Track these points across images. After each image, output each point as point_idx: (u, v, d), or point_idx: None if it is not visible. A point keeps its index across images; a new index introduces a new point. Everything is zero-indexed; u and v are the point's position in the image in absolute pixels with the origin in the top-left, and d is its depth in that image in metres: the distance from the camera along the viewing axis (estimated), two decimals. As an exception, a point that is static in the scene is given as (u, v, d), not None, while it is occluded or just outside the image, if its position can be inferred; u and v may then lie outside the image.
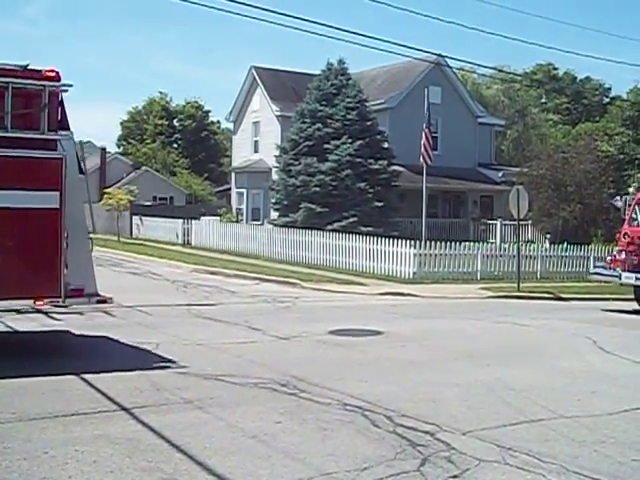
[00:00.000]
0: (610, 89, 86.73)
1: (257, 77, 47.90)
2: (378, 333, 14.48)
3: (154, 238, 44.39)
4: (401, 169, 38.54)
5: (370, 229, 32.30)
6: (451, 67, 44.31)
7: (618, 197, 23.66)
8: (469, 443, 7.42)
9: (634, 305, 20.50)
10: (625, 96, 58.28)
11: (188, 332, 13.84)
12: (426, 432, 7.73)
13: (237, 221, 45.80)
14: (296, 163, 37.43)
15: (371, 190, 35.93)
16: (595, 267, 23.70)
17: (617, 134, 50.13)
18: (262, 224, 42.50)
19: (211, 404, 8.63)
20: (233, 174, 52.10)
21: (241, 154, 50.51)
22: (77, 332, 13.50)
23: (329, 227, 33.26)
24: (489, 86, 70.87)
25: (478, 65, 61.86)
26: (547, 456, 7.07)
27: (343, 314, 17.44)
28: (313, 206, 35.79)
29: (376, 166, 36.64)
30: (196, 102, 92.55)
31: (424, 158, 30.38)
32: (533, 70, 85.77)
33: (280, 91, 46.27)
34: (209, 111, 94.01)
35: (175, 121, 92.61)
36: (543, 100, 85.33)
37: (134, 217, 49.23)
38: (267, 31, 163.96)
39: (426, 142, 30.46)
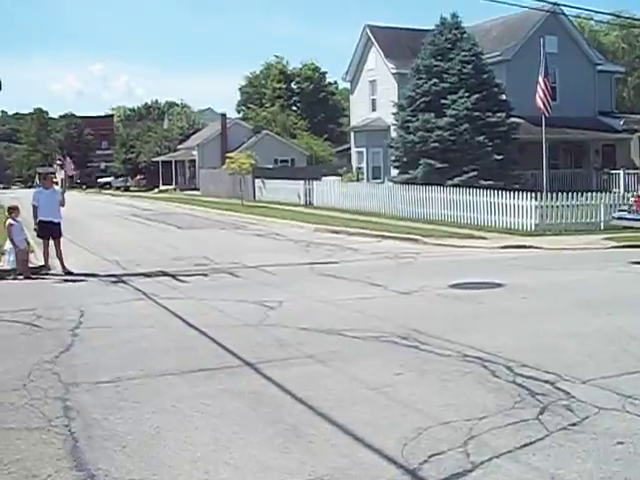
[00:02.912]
0: None
1: (371, 36, 47.67)
2: (499, 285, 14.43)
3: (276, 200, 44.93)
4: (520, 121, 37.87)
5: (490, 183, 31.91)
6: (567, 15, 43.12)
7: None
8: (588, 391, 7.40)
9: None
10: None
11: (310, 289, 14.09)
12: (545, 381, 7.74)
13: (358, 180, 45.90)
14: (414, 120, 37.20)
15: (490, 143, 35.46)
16: (619, 211, 21.54)
17: None
18: (382, 182, 42.50)
19: (332, 358, 8.82)
20: (352, 133, 52.12)
21: (359, 113, 50.44)
22: (203, 293, 13.85)
23: (449, 182, 33.05)
24: (607, 33, 68.77)
25: (595, 12, 60.34)
26: (668, 404, 7.01)
27: (464, 268, 17.42)
28: (432, 162, 35.56)
29: (494, 119, 36.10)
30: (312, 64, 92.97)
31: (544, 108, 29.76)
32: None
33: (394, 49, 45.94)
34: (326, 72, 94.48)
35: (293, 84, 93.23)
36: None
37: (256, 180, 49.88)
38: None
39: (545, 92, 29.80)
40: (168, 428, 6.52)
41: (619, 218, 20.59)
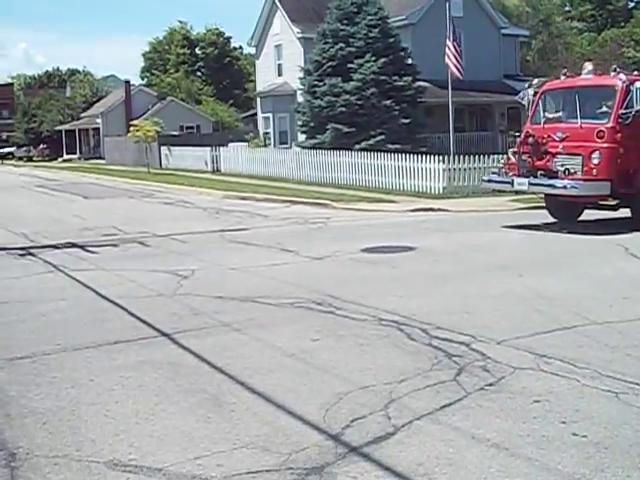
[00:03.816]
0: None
1: (276, 0, 47.38)
2: (410, 249, 14.56)
3: (183, 167, 44.55)
4: (426, 85, 38.21)
5: (398, 146, 32.14)
6: (472, -22, 43.60)
7: (522, 92, 20.33)
8: (504, 352, 7.54)
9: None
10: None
11: (223, 257, 14.01)
12: (461, 343, 7.85)
13: (265, 146, 45.79)
14: (320, 84, 37.17)
15: (397, 107, 35.68)
16: (491, 173, 20.35)
17: (643, 39, 49.16)
18: (290, 147, 42.46)
19: (249, 326, 8.80)
20: (258, 99, 51.92)
21: (265, 78, 50.22)
22: (114, 264, 13.66)
23: (357, 147, 33.19)
24: (512, -4, 69.59)
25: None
26: (581, 361, 7.16)
27: (375, 232, 17.53)
28: (340, 126, 35.62)
29: (401, 83, 36.32)
30: (217, 29, 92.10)
31: (456, 71, 29.85)
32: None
33: (300, 13, 45.80)
34: (230, 37, 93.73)
35: (197, 49, 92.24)
36: (567, 8, 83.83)
37: (162, 148, 49.32)
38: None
39: (455, 55, 29.89)
40: (88, 402, 6.42)
41: (488, 181, 19.78)
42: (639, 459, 5.13)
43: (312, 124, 37.87)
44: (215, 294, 10.61)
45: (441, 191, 25.94)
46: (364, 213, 22.10)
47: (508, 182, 18.23)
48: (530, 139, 17.76)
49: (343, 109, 35.78)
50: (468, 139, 41.71)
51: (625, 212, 17.60)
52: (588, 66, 18.73)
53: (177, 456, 5.29)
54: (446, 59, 29.29)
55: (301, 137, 40.59)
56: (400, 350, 7.70)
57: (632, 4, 79.94)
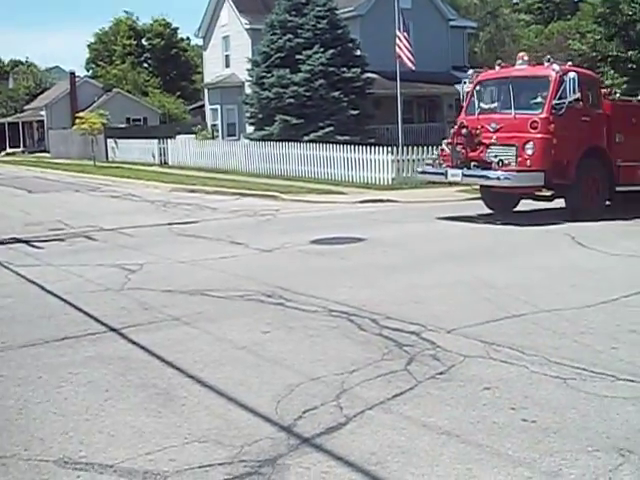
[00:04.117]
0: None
1: (224, -10, 47.16)
2: (359, 240, 14.60)
3: (130, 160, 44.20)
4: (375, 76, 38.23)
5: (347, 138, 32.19)
6: (421, -30, 43.73)
7: (459, 83, 20.11)
8: (453, 341, 7.59)
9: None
10: (597, -7, 57.80)
11: (171, 251, 13.92)
12: (411, 332, 7.89)
13: (213, 138, 45.52)
14: (269, 76, 37.04)
15: (345, 99, 35.68)
16: (425, 165, 20.37)
17: (589, 32, 49.54)
18: (238, 139, 42.28)
19: (198, 319, 8.75)
20: (206, 90, 51.58)
21: (213, 70, 49.90)
22: (60, 259, 13.49)
23: (306, 138, 33.15)
24: (460, -12, 69.97)
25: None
26: (529, 349, 7.25)
27: (324, 224, 17.55)
28: (288, 118, 35.53)
29: (349, 74, 36.31)
30: (163, 19, 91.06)
31: (409, 62, 29.84)
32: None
33: (248, 3, 45.51)
34: (177, 28, 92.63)
35: (143, 40, 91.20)
36: (515, 0, 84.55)
37: (109, 140, 48.85)
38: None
39: (406, 46, 29.87)
40: (36, 400, 6.33)
41: (422, 172, 19.74)
42: (587, 443, 5.20)
43: (260, 116, 37.75)
44: (164, 288, 10.54)
45: (390, 182, 26.05)
46: (313, 205, 22.11)
47: (442, 173, 18.13)
48: (464, 130, 17.65)
49: (291, 100, 35.70)
50: (417, 130, 41.85)
51: (561, 202, 17.80)
52: (522, 57, 18.67)
53: (128, 452, 5.24)
54: (397, 50, 29.31)
55: (249, 129, 40.43)
56: (351, 341, 7.71)
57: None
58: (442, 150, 18.70)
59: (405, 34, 29.60)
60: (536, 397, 6.05)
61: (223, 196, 24.84)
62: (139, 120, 67.13)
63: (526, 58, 18.60)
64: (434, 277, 10.98)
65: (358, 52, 38.05)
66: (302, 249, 13.79)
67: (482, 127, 17.61)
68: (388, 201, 22.19)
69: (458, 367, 6.81)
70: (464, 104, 19.30)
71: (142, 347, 7.69)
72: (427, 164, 20.02)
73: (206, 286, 10.52)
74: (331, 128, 34.58)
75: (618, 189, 18.42)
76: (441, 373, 6.66)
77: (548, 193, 18.21)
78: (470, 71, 20.04)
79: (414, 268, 11.78)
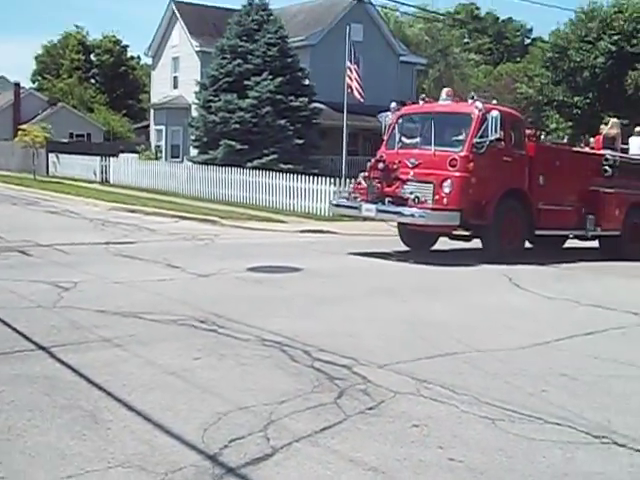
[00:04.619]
0: (532, 30, 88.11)
1: (177, 11, 47.16)
2: (297, 270, 14.58)
3: (71, 176, 43.74)
4: (322, 107, 38.46)
5: (290, 166, 32.30)
6: (374, 4, 44.42)
7: (380, 115, 19.66)
8: (385, 376, 7.58)
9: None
10: (546, 38, 58.85)
11: (107, 270, 13.74)
12: (343, 366, 7.86)
13: (156, 158, 45.35)
14: (216, 99, 37.07)
15: (291, 127, 35.82)
16: (339, 198, 20.03)
17: (537, 75, 50.56)
18: (181, 161, 42.19)
19: (130, 341, 8.63)
20: (152, 110, 51.42)
21: (160, 90, 49.81)
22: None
23: (249, 164, 33.20)
24: (412, 25, 70.95)
25: (401, 3, 62.15)
26: (460, 388, 7.26)
27: (262, 251, 17.52)
28: (233, 143, 35.56)
29: (297, 103, 36.49)
30: (114, 36, 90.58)
31: (358, 95, 29.99)
32: (456, 10, 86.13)
33: (200, 26, 45.62)
34: (127, 46, 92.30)
35: (92, 56, 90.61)
36: (465, 40, 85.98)
37: (50, 155, 48.31)
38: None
39: (356, 78, 30.07)
40: (-44, 416, 6.19)
41: (337, 205, 19.23)
42: (512, 486, 5.21)
43: (205, 139, 37.72)
44: (97, 308, 10.38)
45: (331, 213, 26.08)
46: (252, 232, 22.08)
47: (356, 207, 17.73)
48: (380, 164, 17.30)
49: (237, 126, 35.74)
50: (361, 162, 41.56)
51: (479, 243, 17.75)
52: (447, 92, 18.44)
53: (49, 475, 5.12)
54: (347, 81, 29.54)
55: (193, 152, 40.38)
56: (282, 371, 7.67)
57: (528, 40, 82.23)
58: (358, 183, 18.33)
59: (355, 66, 29.85)
60: (464, 437, 6.06)
61: (163, 218, 24.69)
62: (83, 136, 66.51)
63: (450, 94, 18.33)
64: (370, 311, 10.99)
65: (307, 81, 38.29)
66: (239, 276, 13.72)
67: (401, 162, 17.24)
68: (328, 232, 22.25)
69: (388, 403, 6.79)
70: (385, 137, 18.90)
71: (70, 367, 7.55)
72: (342, 197, 19.69)
73: (140, 308, 10.39)
74: (275, 156, 34.68)
75: (540, 233, 18.23)
76: (370, 408, 6.64)
77: (466, 233, 17.94)
78: (393, 104, 19.53)
79: (351, 301, 11.78)
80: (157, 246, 17.86)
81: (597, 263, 18.29)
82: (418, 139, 18.01)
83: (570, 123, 47.01)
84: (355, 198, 17.97)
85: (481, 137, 16.70)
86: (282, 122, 35.57)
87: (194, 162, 37.60)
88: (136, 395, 6.77)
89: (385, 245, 18.92)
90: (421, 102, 18.93)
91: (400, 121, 18.63)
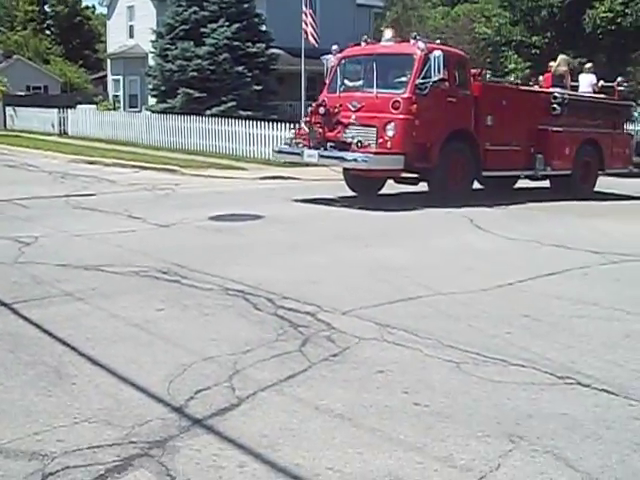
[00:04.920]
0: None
1: (130, -41, 46.38)
2: (258, 217, 14.54)
3: (29, 129, 43.10)
4: (279, 52, 38.13)
5: (249, 113, 32.09)
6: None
7: (323, 58, 18.92)
8: (349, 322, 7.61)
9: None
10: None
11: (67, 223, 13.61)
12: (307, 313, 7.88)
13: (114, 109, 44.85)
14: (173, 48, 36.63)
15: (249, 74, 35.52)
16: (283, 144, 19.67)
17: (494, 16, 50.35)
18: (140, 111, 41.73)
19: (92, 295, 8.57)
20: (109, 61, 50.78)
21: (116, 40, 49.12)
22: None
23: (208, 112, 32.91)
24: (367, -33, 70.11)
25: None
26: (424, 332, 7.31)
27: (224, 200, 17.44)
28: (191, 91, 35.22)
29: (254, 49, 36.16)
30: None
31: (312, 40, 29.84)
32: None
33: (153, -27, 44.91)
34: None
35: (46, 7, 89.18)
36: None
37: (7, 108, 47.56)
38: None
39: (311, 23, 29.90)
40: None
41: (279, 152, 18.97)
42: (478, 428, 5.26)
43: (163, 88, 37.31)
44: (58, 262, 10.29)
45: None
46: (213, 180, 21.95)
47: (298, 153, 17.40)
48: (321, 108, 16.95)
49: (195, 74, 35.39)
50: (320, 107, 41.84)
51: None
52: (388, 32, 18.00)
53: (15, 432, 5.09)
54: (303, 26, 29.31)
55: (152, 101, 39.94)
56: (245, 320, 7.67)
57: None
58: (299, 129, 18.02)
59: (311, 11, 29.62)
60: (429, 381, 6.10)
61: (122, 168, 24.47)
62: (40, 88, 65.65)
63: (392, 34, 17.88)
64: (332, 257, 11.01)
65: (264, 27, 37.90)
66: (200, 225, 13.66)
67: (342, 106, 16.91)
68: (289, 178, 22.17)
69: (352, 349, 6.82)
70: (327, 80, 18.37)
71: (33, 323, 7.49)
72: (285, 143, 19.22)
73: (101, 261, 10.31)
74: (234, 103, 34.41)
75: (488, 174, 18.09)
76: (335, 355, 6.66)
77: (412, 176, 17.63)
78: (334, 46, 18.92)
79: (312, 248, 11.79)
80: (117, 197, 17.72)
81: (555, 203, 18.31)
82: (360, 82, 17.61)
83: (529, 63, 46.94)
84: (297, 144, 17.60)
85: (424, 78, 16.36)
86: (240, 69, 35.26)
87: (152, 111, 37.20)
88: (100, 349, 6.74)
89: (343, 190, 18.84)
90: (363, 44, 18.38)
91: (342, 64, 18.19)
